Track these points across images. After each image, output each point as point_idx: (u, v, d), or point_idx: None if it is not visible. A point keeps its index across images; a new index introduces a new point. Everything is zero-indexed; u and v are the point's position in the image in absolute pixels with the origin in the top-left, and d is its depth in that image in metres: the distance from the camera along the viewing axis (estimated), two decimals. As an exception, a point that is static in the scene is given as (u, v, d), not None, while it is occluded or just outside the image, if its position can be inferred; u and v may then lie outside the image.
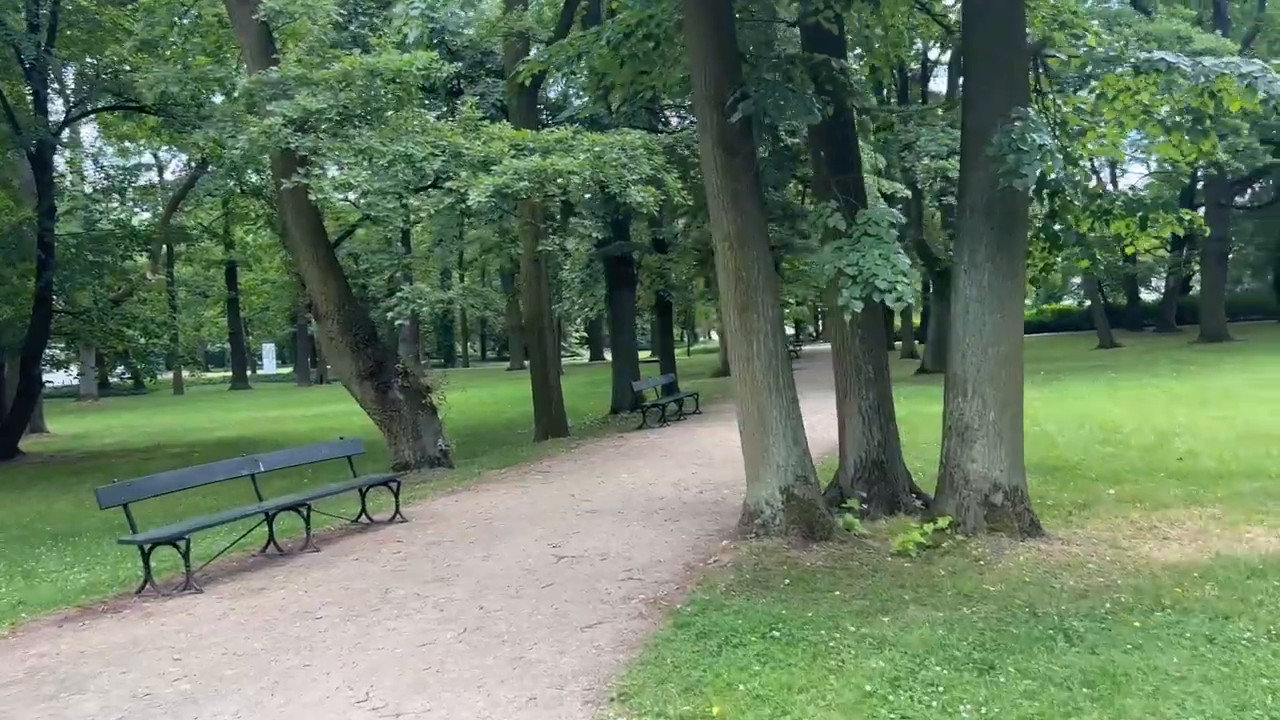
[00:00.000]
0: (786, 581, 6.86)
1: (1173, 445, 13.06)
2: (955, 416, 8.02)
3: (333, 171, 13.12)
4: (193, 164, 30.07)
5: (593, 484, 12.35)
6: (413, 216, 13.71)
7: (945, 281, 30.43)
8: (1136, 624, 5.70)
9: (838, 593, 6.59)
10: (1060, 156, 7.33)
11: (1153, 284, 68.92)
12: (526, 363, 56.52)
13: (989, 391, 7.88)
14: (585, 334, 70.31)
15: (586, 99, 23.17)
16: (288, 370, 76.35)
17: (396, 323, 13.28)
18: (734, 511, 9.86)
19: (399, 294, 13.19)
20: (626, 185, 14.52)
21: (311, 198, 12.22)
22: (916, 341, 42.97)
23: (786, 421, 8.05)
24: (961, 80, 8.70)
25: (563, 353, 46.42)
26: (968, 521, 7.83)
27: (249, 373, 66.33)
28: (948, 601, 6.34)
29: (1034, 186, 7.70)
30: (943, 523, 7.68)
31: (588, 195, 16.29)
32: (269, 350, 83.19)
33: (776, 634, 5.71)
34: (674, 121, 24.70)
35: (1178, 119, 8.45)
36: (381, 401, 14.43)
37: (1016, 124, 7.10)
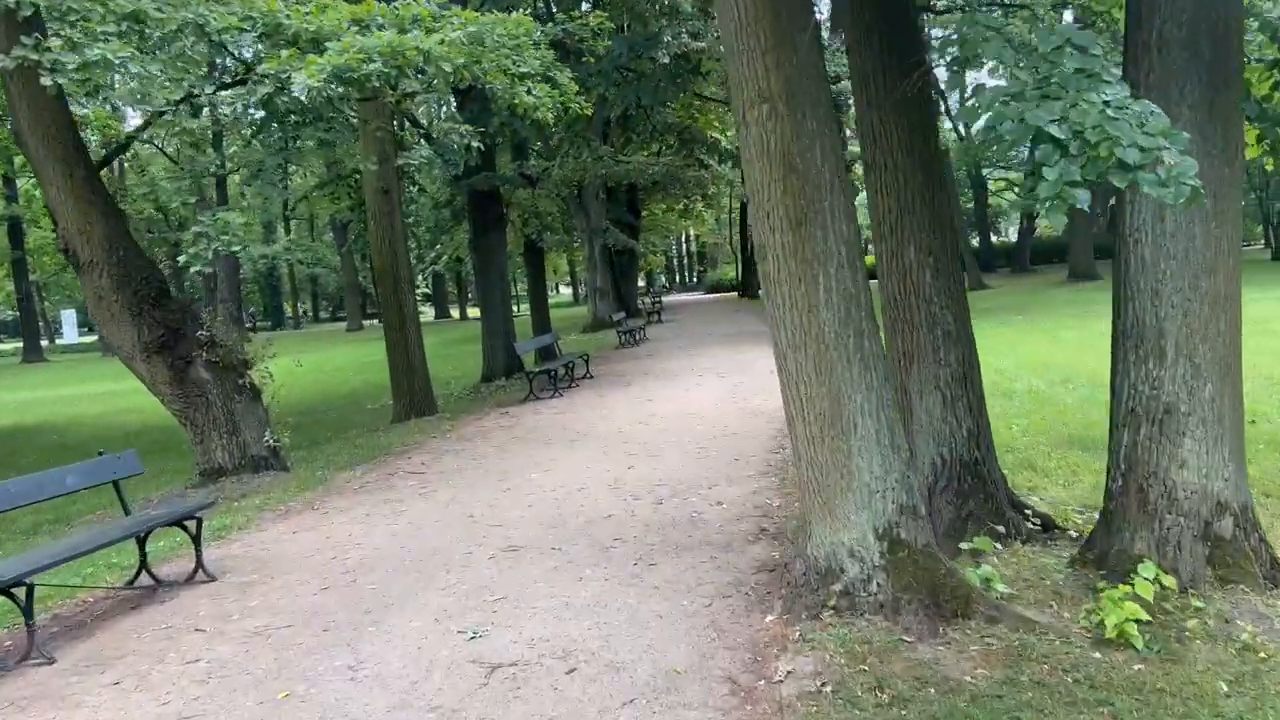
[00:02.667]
0: (972, 737, 3.55)
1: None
2: (1145, 392, 4.87)
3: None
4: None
5: (495, 492, 8.73)
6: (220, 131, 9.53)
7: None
8: None
9: (1092, 766, 3.34)
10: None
11: (1000, 226, 69.65)
12: (367, 323, 51.54)
13: (1203, 351, 4.76)
14: (429, 289, 65.18)
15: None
16: (92, 339, 68.03)
17: (192, 269, 9.17)
18: (729, 538, 6.51)
19: (194, 228, 9.09)
20: (514, 81, 10.80)
21: (45, 82, 7.94)
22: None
23: (880, 413, 4.69)
24: None
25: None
26: (1181, 568, 4.73)
27: (45, 343, 58.53)
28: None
29: None
30: (1164, 579, 4.52)
31: (453, 101, 12.42)
32: (69, 317, 73.99)
33: None
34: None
35: None
36: (180, 384, 10.28)
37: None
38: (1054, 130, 3.67)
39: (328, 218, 57.76)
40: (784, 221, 4.66)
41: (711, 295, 60.03)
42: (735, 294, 52.81)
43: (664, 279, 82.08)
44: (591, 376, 17.81)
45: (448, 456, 10.90)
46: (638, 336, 25.35)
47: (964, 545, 5.30)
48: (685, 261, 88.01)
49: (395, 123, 15.81)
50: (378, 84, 9.17)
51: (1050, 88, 3.84)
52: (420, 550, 6.95)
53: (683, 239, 79.56)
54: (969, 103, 4.00)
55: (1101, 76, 3.83)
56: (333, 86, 8.77)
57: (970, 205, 53.04)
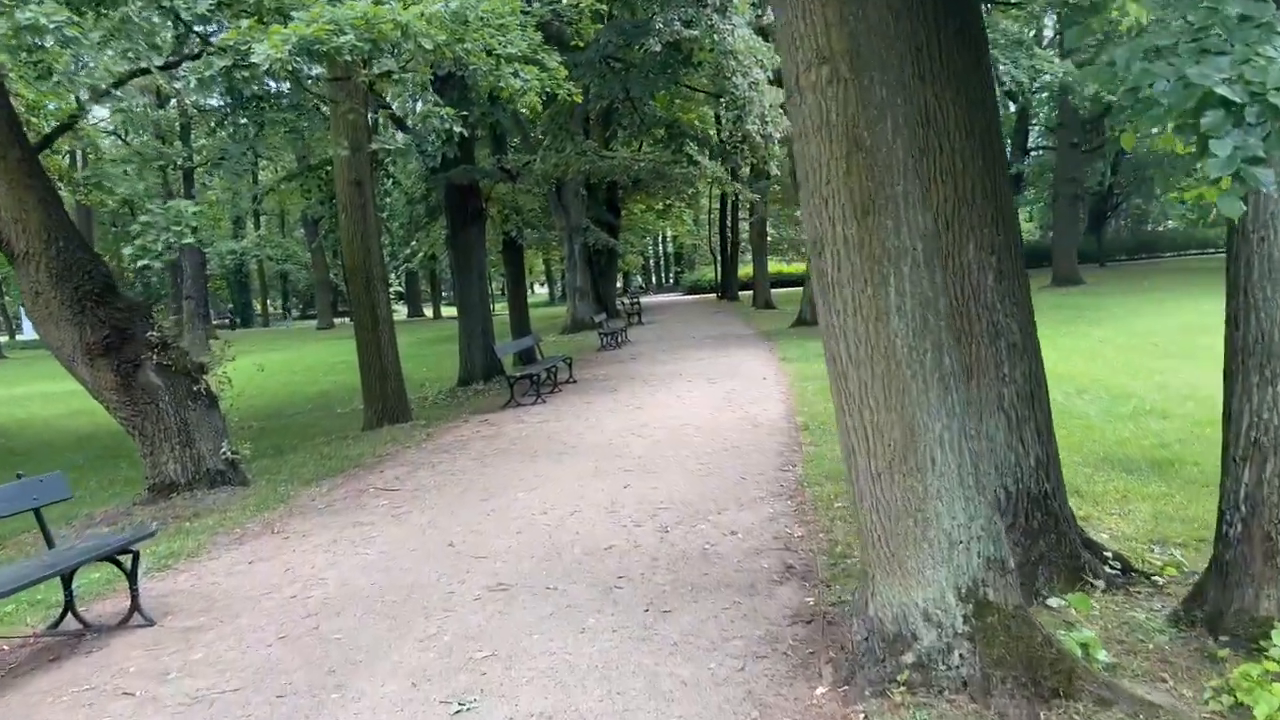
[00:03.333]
0: None
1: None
2: (1273, 421, 4.06)
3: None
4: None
5: (477, 515, 7.83)
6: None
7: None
8: None
9: None
10: None
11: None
12: (338, 320, 50.37)
13: (1346, 371, 3.96)
14: (403, 288, 63.81)
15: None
16: (52, 335, 65.93)
17: (138, 264, 8.22)
18: (751, 577, 5.67)
19: (143, 217, 8.12)
20: (499, 62, 9.92)
21: (-34, 48, 6.99)
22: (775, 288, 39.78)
23: (962, 445, 3.86)
24: None
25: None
26: (1321, 634, 3.92)
27: (3, 339, 56.81)
28: None
29: None
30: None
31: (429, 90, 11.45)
32: (30, 312, 71.92)
33: None
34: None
35: None
36: (127, 390, 9.31)
37: None
38: (1225, 92, 2.84)
39: (299, 213, 56.45)
40: (847, 210, 3.82)
41: (690, 297, 59.30)
42: (714, 296, 52.12)
43: (640, 279, 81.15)
44: (574, 381, 16.91)
45: (423, 471, 9.98)
46: (620, 339, 24.49)
47: (1053, 602, 4.48)
48: (662, 262, 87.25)
49: (370, 115, 14.88)
50: (350, 58, 8.27)
51: (1209, 39, 3.02)
52: (394, 588, 6.05)
53: (660, 239, 78.79)
54: (1100, 61, 3.18)
55: (1275, 26, 3.01)
56: (298, 60, 7.86)
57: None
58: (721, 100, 17.75)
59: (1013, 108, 42.01)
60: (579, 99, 12.00)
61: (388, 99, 13.84)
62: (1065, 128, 38.30)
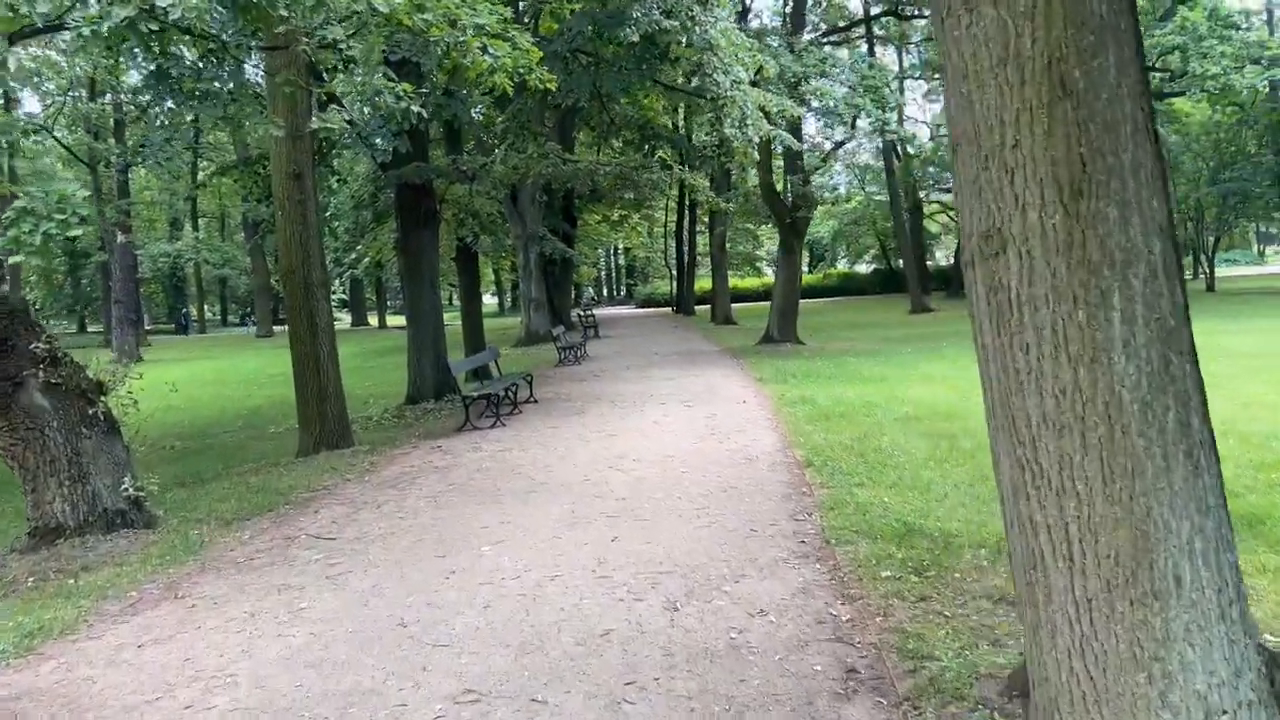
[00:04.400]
0: None
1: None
2: None
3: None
4: None
5: (433, 578, 6.32)
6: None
7: (793, 233, 25.87)
8: None
9: None
10: None
11: (931, 250, 69.11)
12: (278, 329, 48.38)
13: None
14: (346, 295, 61.50)
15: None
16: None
17: (10, 260, 6.61)
18: (805, 688, 4.30)
19: (18, 203, 6.50)
20: (464, 34, 8.50)
21: None
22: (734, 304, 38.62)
23: (1220, 558, 2.51)
24: None
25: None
26: None
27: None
28: None
29: None
30: None
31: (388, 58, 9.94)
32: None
33: None
34: None
35: None
36: (4, 414, 7.64)
37: None
38: None
39: (240, 216, 54.13)
40: (1047, 188, 2.46)
41: (643, 310, 58.09)
42: (669, 309, 50.91)
43: (591, 291, 79.74)
44: (536, 401, 15.42)
45: (366, 512, 8.43)
46: (579, 354, 23.04)
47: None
48: (614, 274, 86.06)
49: (315, 99, 13.32)
50: (287, 15, 6.74)
51: None
52: (326, 694, 4.54)
53: (613, 251, 77.52)
54: None
55: None
56: (222, 10, 6.33)
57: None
58: (701, 101, 16.40)
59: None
60: (553, 86, 10.56)
61: (333, 87, 12.29)
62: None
